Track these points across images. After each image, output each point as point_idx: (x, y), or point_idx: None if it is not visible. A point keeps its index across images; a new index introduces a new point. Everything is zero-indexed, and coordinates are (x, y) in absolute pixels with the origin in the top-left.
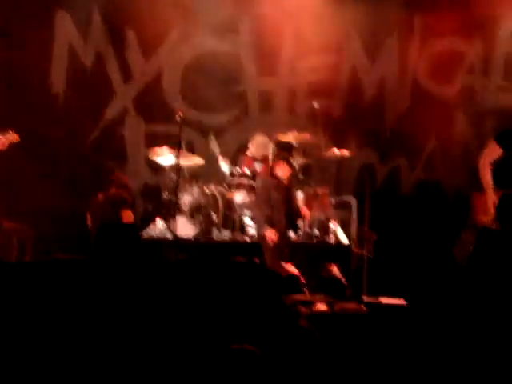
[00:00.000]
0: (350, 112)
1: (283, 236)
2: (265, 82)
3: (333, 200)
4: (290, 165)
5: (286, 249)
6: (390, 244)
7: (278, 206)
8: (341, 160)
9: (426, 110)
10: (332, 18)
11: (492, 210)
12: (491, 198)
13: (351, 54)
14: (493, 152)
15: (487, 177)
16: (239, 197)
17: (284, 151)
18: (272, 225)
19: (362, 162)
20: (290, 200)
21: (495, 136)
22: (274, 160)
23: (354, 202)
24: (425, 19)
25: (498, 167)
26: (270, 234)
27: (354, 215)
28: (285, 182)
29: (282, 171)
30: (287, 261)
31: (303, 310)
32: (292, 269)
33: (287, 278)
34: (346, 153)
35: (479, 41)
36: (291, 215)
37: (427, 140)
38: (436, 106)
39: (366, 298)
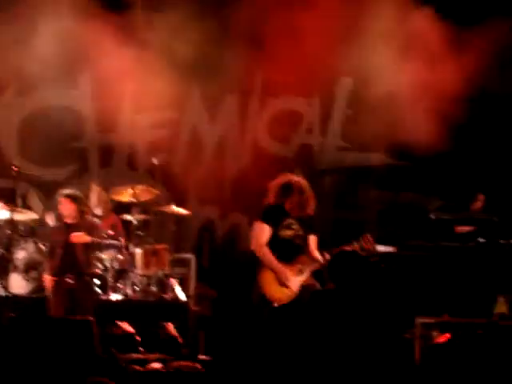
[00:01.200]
0: (190, 169)
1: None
2: (105, 138)
3: (172, 257)
4: (75, 201)
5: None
6: (230, 302)
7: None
8: (180, 216)
9: (266, 168)
10: (172, 75)
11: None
12: (280, 272)
13: (191, 111)
14: (263, 231)
15: (267, 256)
16: None
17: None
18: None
19: (202, 218)
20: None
21: (260, 216)
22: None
23: (193, 259)
24: (265, 78)
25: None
26: (46, 280)
27: (193, 272)
28: (68, 220)
29: (65, 210)
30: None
31: (137, 368)
32: (127, 327)
33: (122, 336)
34: (185, 210)
35: (318, 101)
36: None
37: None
38: (275, 164)
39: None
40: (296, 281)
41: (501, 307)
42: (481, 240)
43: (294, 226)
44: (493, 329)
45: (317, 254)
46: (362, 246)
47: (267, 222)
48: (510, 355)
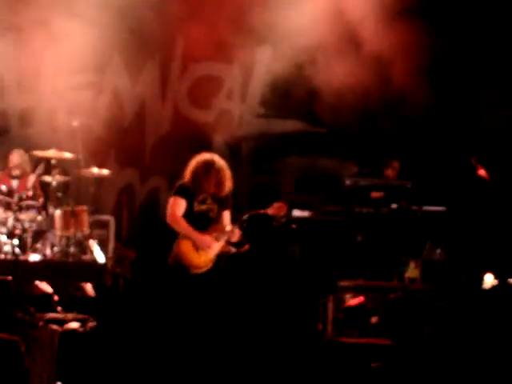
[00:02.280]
0: (111, 131)
1: None
2: (25, 100)
3: (91, 218)
4: None
5: None
6: (149, 264)
7: None
8: (100, 179)
9: (186, 133)
10: (94, 39)
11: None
12: (200, 239)
13: (113, 74)
14: (178, 205)
15: (183, 225)
16: None
17: None
18: None
19: (122, 181)
20: None
21: (175, 191)
22: None
23: (112, 220)
24: (186, 43)
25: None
26: None
27: (112, 234)
28: None
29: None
30: None
31: (55, 327)
32: (45, 287)
33: (40, 296)
34: (105, 172)
35: (238, 67)
36: None
37: (186, 162)
38: (195, 130)
39: None
40: (213, 247)
41: (412, 272)
42: (393, 206)
43: (208, 201)
44: (404, 292)
45: (230, 228)
46: (275, 211)
47: (182, 197)
48: (419, 319)
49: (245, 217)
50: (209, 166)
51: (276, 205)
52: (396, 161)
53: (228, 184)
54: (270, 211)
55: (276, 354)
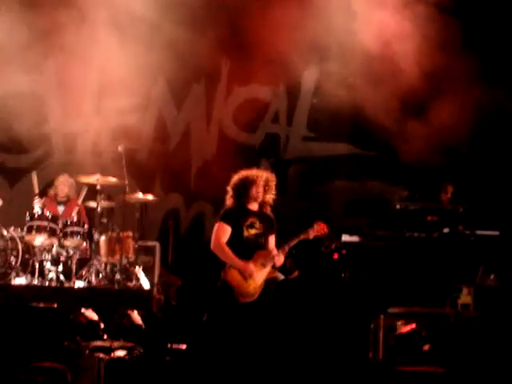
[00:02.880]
0: (156, 157)
1: None
2: (70, 124)
3: (136, 244)
4: None
5: None
6: (194, 290)
7: None
8: (145, 204)
9: (231, 157)
10: (139, 62)
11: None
12: (243, 268)
13: (158, 98)
14: (223, 231)
15: (227, 254)
16: (39, 240)
17: None
18: None
19: (167, 207)
20: None
21: (220, 217)
22: None
23: (157, 246)
24: (232, 67)
25: None
26: None
27: (158, 260)
28: None
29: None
30: None
31: (101, 355)
32: (91, 314)
33: (86, 323)
34: (150, 197)
35: (284, 91)
36: None
37: None
38: (241, 154)
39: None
40: (260, 274)
41: (465, 298)
42: (445, 230)
43: (256, 225)
44: (457, 319)
45: (275, 252)
46: (316, 232)
47: (228, 223)
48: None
49: (290, 243)
50: (250, 174)
51: (316, 226)
52: (450, 185)
53: (270, 192)
54: (312, 234)
55: (328, 381)
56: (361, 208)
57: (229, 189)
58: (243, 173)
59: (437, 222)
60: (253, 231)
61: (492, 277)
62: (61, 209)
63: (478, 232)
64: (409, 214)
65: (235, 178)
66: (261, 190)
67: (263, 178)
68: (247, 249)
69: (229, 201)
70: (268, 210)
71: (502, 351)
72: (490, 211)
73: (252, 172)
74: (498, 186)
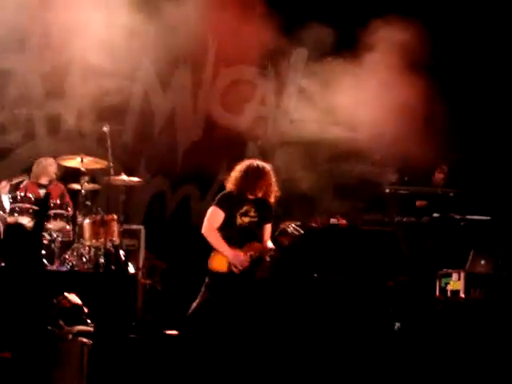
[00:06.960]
0: (141, 138)
1: None
2: (52, 105)
3: (121, 228)
4: None
5: None
6: (180, 274)
7: None
8: (130, 187)
9: (218, 139)
10: (124, 44)
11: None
12: (232, 257)
13: (143, 80)
14: (216, 216)
15: (217, 240)
16: (23, 222)
17: None
18: None
19: (152, 189)
20: None
21: (215, 201)
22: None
23: (142, 230)
24: (218, 49)
25: None
26: None
27: (143, 244)
28: None
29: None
30: None
31: (85, 340)
32: (75, 298)
33: (71, 308)
34: (135, 180)
35: (272, 73)
36: None
37: (219, 170)
38: (228, 136)
39: None
40: (247, 266)
41: (455, 284)
42: (435, 215)
43: (250, 213)
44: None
45: (269, 244)
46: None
47: (222, 209)
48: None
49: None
50: (262, 169)
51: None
52: (445, 165)
53: (274, 190)
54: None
55: None
56: (349, 192)
57: (236, 173)
58: (258, 162)
59: (426, 208)
60: (246, 219)
61: (482, 262)
62: (42, 192)
63: (469, 217)
64: (398, 199)
65: (247, 164)
66: (268, 184)
67: (272, 175)
68: (238, 237)
69: (231, 185)
70: (271, 200)
71: (492, 337)
72: (481, 196)
73: (266, 165)
74: (489, 170)
